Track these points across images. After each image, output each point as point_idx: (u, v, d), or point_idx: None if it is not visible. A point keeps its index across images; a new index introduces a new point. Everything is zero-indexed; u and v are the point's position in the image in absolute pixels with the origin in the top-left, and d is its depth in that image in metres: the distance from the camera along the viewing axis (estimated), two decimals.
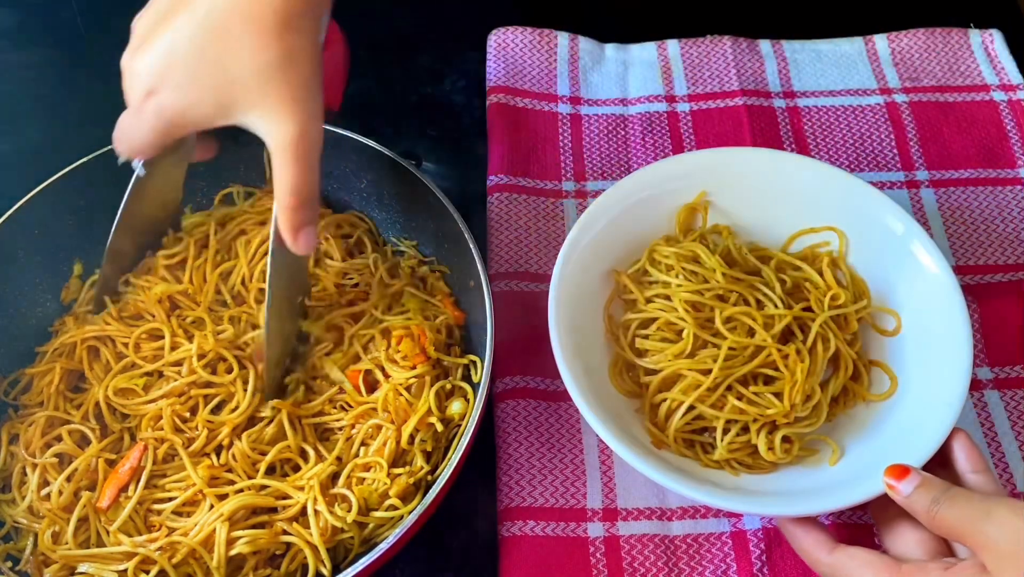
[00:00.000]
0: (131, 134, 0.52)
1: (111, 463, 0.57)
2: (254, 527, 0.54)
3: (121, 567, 0.53)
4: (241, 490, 0.55)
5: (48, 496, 0.55)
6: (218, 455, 0.57)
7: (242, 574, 0.54)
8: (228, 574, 0.54)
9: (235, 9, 0.48)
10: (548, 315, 0.58)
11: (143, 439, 0.57)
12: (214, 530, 0.53)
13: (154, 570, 0.53)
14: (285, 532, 0.55)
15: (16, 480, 0.57)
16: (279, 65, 0.49)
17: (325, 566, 0.54)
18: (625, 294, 0.63)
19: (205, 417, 0.57)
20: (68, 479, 0.56)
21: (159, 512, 0.55)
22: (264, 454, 0.57)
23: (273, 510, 0.55)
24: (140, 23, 0.52)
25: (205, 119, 0.51)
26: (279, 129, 0.49)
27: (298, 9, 0.49)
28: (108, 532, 0.55)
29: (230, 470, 0.57)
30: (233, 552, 0.53)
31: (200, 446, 0.57)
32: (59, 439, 0.58)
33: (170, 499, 0.55)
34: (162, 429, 0.57)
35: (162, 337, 0.60)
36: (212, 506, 0.54)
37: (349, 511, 0.55)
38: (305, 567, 0.54)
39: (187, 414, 0.58)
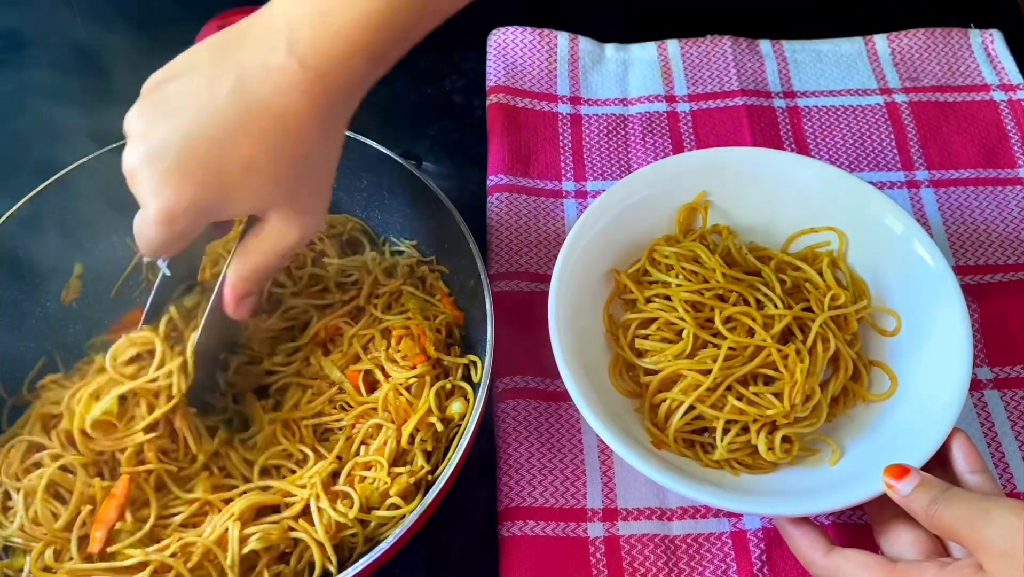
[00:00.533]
0: (148, 238, 0.49)
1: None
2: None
3: None
4: (246, 492, 0.55)
5: (37, 521, 0.54)
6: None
7: (255, 573, 0.54)
8: (242, 574, 0.53)
9: (258, 103, 0.46)
10: (548, 315, 0.58)
11: (127, 472, 0.55)
12: (226, 530, 0.53)
13: (170, 576, 0.53)
14: (291, 528, 0.55)
15: None
16: (299, 174, 0.48)
17: (332, 562, 0.54)
18: (625, 294, 0.63)
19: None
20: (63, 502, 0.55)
21: (166, 526, 0.55)
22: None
23: (278, 509, 0.55)
24: (137, 118, 0.49)
25: (236, 213, 0.50)
26: (283, 233, 0.50)
27: (333, 104, 0.47)
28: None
29: (229, 475, 0.57)
30: (246, 549, 0.53)
31: (193, 472, 0.56)
32: (37, 465, 0.56)
33: (174, 514, 0.55)
34: (144, 463, 0.56)
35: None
36: (219, 511, 0.54)
37: (351, 508, 0.55)
38: (312, 565, 0.54)
39: (169, 444, 0.56)
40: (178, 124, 0.47)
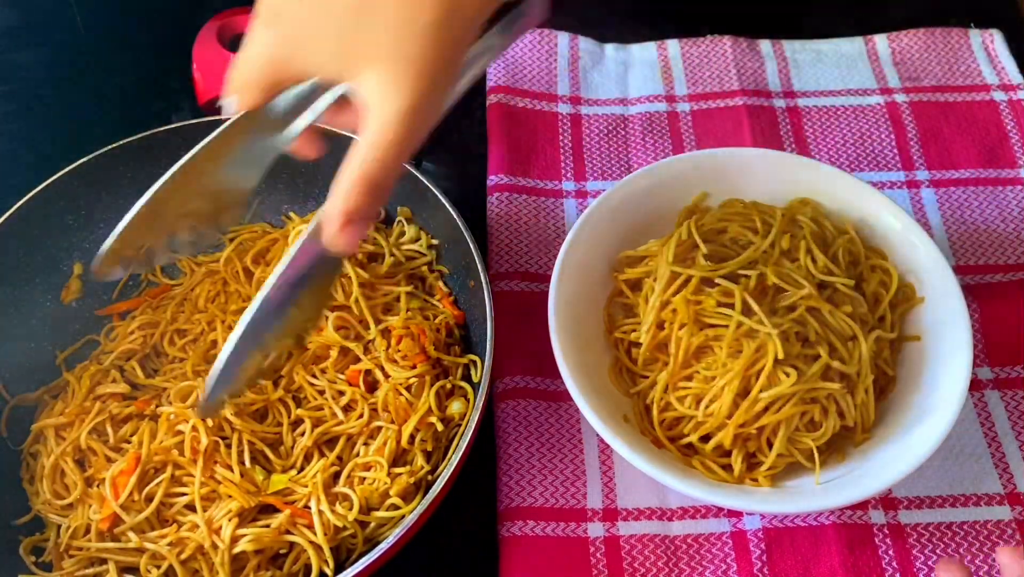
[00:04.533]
0: (240, 66, 0.43)
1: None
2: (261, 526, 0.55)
3: (135, 560, 0.54)
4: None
5: (59, 493, 0.57)
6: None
7: (243, 574, 0.54)
8: (233, 572, 0.54)
9: None
10: (548, 315, 0.58)
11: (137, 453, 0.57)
12: (221, 527, 0.54)
13: (164, 565, 0.54)
14: (288, 532, 0.55)
15: (38, 473, 0.58)
16: (423, 29, 0.40)
17: (328, 565, 0.54)
18: (622, 297, 0.63)
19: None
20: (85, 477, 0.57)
21: (171, 505, 0.56)
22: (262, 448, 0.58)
23: (277, 510, 0.55)
24: None
25: (315, 68, 0.42)
26: (392, 97, 0.40)
27: None
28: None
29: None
30: (237, 549, 0.53)
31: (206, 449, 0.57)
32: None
33: (182, 494, 0.56)
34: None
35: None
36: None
37: (351, 509, 0.55)
38: (308, 567, 0.54)
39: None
40: None
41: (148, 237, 0.49)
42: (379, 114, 0.41)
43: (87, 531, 0.56)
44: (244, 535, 0.54)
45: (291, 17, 0.41)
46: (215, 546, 0.54)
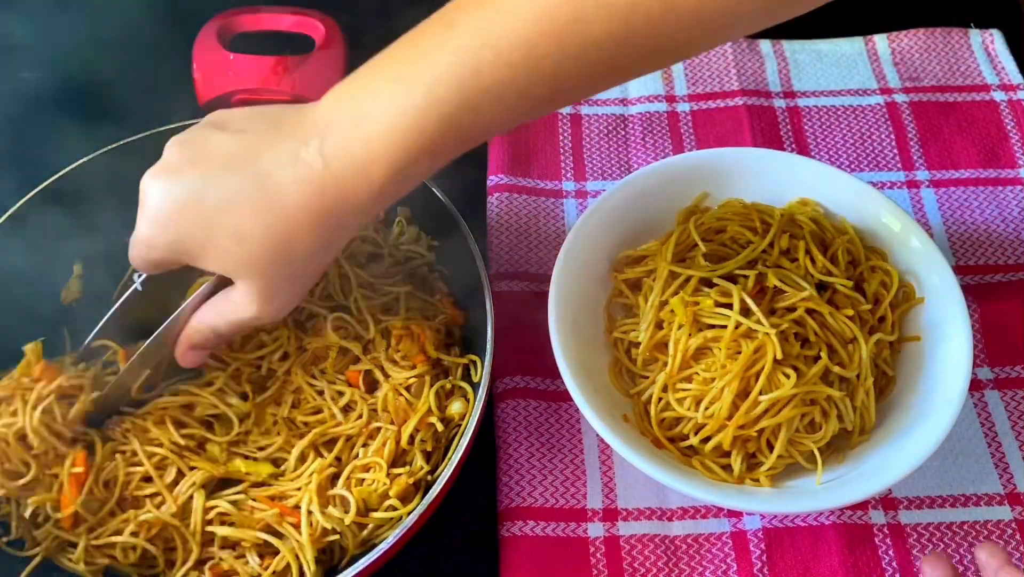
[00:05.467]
0: (130, 251, 0.52)
1: None
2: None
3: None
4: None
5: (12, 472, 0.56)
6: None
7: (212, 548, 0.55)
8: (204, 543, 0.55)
9: (273, 185, 0.47)
10: (548, 315, 0.58)
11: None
12: (191, 498, 0.55)
13: (139, 547, 0.54)
14: (274, 530, 0.54)
15: None
16: (280, 262, 0.49)
17: (309, 569, 0.53)
18: (622, 298, 0.63)
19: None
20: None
21: (129, 481, 0.55)
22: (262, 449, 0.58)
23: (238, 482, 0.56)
24: (177, 146, 0.50)
25: (206, 269, 0.50)
26: (241, 306, 0.50)
27: (342, 212, 0.48)
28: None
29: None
30: (214, 531, 0.54)
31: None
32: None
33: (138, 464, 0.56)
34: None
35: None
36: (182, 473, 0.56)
37: (347, 512, 0.55)
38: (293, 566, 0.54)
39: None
40: (199, 172, 0.48)
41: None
42: (240, 300, 0.51)
43: (47, 519, 0.55)
44: (215, 506, 0.55)
45: (177, 230, 0.49)
46: (186, 521, 0.54)
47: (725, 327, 0.56)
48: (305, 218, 0.47)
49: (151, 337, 0.55)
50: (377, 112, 0.46)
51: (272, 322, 0.54)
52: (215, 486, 0.56)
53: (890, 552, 0.57)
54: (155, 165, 0.50)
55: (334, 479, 0.57)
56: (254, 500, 0.55)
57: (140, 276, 0.57)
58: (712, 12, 0.44)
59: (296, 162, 0.47)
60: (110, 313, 0.59)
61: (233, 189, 0.47)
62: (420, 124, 0.45)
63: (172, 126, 0.65)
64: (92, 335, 0.60)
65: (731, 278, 0.58)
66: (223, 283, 0.53)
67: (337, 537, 0.55)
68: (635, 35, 0.44)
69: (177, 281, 0.59)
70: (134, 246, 0.51)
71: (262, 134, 0.48)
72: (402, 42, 0.47)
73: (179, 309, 0.54)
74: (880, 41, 0.82)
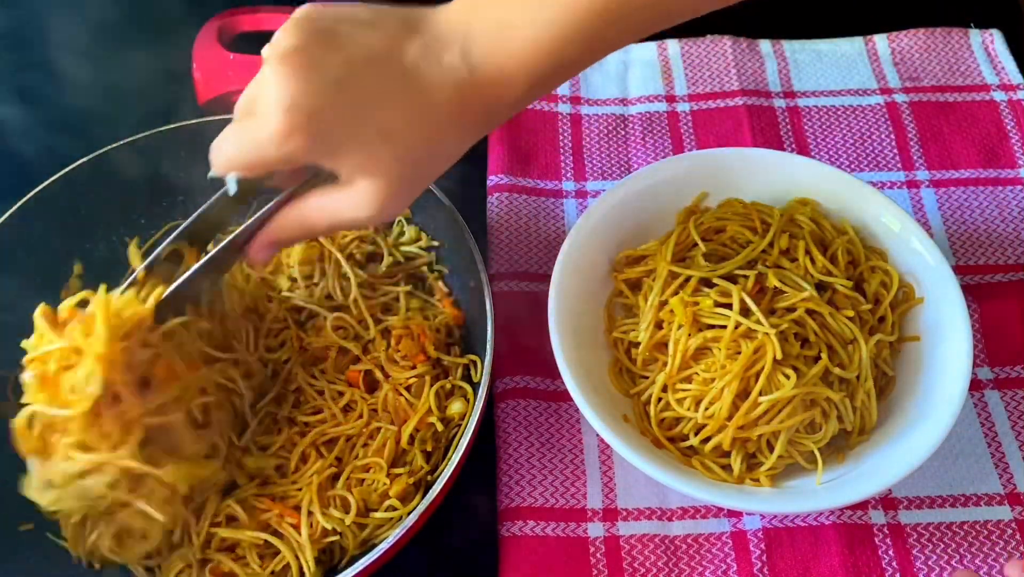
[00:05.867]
0: (252, 146, 0.46)
1: None
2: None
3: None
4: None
5: None
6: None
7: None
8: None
9: (417, 83, 0.46)
10: (548, 315, 0.58)
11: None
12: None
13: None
14: (275, 530, 0.54)
15: None
16: (416, 161, 0.47)
17: (309, 569, 0.53)
18: (622, 297, 0.63)
19: None
20: None
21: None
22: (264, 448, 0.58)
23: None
24: (295, 29, 0.46)
25: (328, 166, 0.47)
26: (359, 205, 0.47)
27: (479, 116, 0.48)
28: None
29: None
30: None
31: None
32: None
33: None
34: None
35: None
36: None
37: (347, 512, 0.55)
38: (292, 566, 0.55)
39: None
40: (341, 63, 0.45)
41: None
42: (356, 199, 0.47)
43: None
44: (227, 506, 0.54)
45: (324, 119, 0.45)
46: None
47: (725, 327, 0.56)
48: (449, 121, 0.46)
49: (229, 237, 0.51)
50: (523, 22, 0.46)
51: (379, 224, 0.50)
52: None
53: (890, 552, 0.57)
54: (276, 49, 0.45)
55: (334, 479, 0.57)
56: (257, 500, 0.55)
57: (236, 178, 0.49)
58: None
59: (441, 65, 0.46)
60: (193, 217, 0.53)
61: (380, 84, 0.46)
62: (563, 36, 0.46)
63: (172, 126, 0.65)
64: (168, 240, 0.54)
65: (731, 278, 0.59)
66: (307, 187, 0.49)
67: (337, 537, 0.55)
68: None
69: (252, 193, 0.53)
70: (255, 140, 0.46)
71: (399, 32, 0.47)
72: None
73: (262, 211, 0.50)
74: (880, 41, 0.82)
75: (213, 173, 0.49)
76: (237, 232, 0.51)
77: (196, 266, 0.52)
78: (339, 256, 0.63)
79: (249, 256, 0.52)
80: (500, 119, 0.49)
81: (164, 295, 0.52)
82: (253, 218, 0.51)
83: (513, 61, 0.46)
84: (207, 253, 0.53)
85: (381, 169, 0.46)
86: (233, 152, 0.47)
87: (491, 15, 0.46)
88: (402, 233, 0.67)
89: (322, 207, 0.49)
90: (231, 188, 0.50)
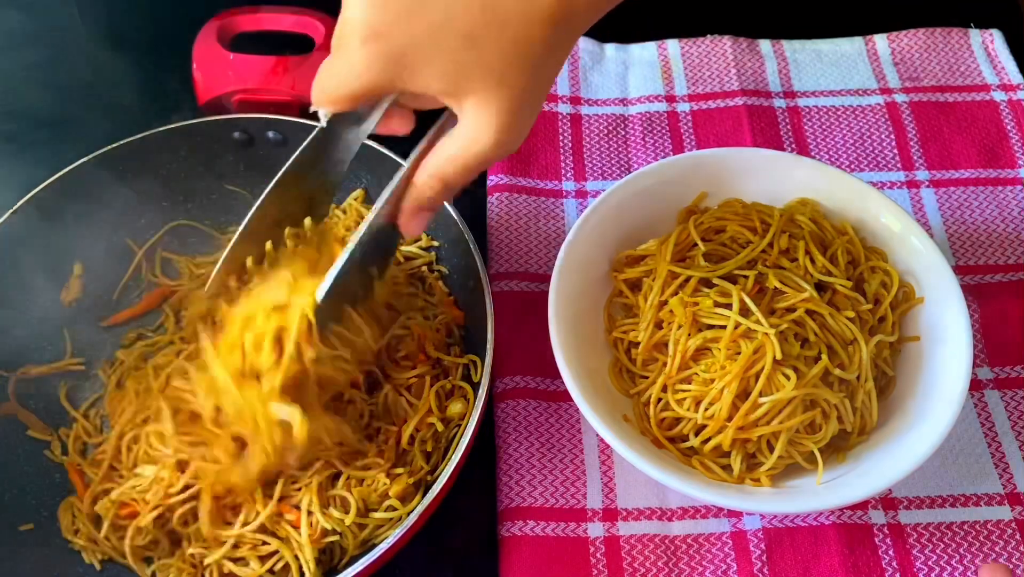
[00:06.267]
0: (337, 78, 0.45)
1: None
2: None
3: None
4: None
5: None
6: None
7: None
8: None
9: None
10: (548, 315, 0.58)
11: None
12: None
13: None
14: (274, 534, 0.54)
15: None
16: (516, 66, 0.43)
17: (309, 569, 0.53)
18: (622, 298, 0.63)
19: None
20: None
21: None
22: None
23: None
24: None
25: (421, 87, 0.44)
26: (488, 118, 0.44)
27: (579, 8, 0.43)
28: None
29: None
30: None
31: None
32: None
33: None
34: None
35: None
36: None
37: (347, 512, 0.55)
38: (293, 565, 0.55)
39: None
40: None
41: (251, 249, 0.54)
42: (473, 129, 0.44)
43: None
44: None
45: (400, 38, 0.43)
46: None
47: (724, 327, 0.56)
48: (538, 15, 0.42)
49: (367, 221, 0.50)
50: None
51: (509, 153, 0.46)
52: None
53: (890, 552, 0.57)
54: None
55: (334, 479, 0.57)
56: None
57: (326, 114, 0.49)
58: None
59: None
60: (290, 162, 0.52)
61: None
62: None
63: (172, 126, 0.65)
64: (268, 187, 0.53)
65: (731, 278, 0.58)
66: (433, 140, 0.48)
67: (337, 537, 0.55)
68: None
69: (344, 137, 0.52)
70: (335, 69, 0.45)
71: None
72: None
73: (394, 182, 0.49)
74: (880, 41, 0.82)
75: (312, 108, 0.48)
76: (374, 213, 0.49)
77: (346, 253, 0.50)
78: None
79: (403, 228, 0.50)
80: (590, 17, 0.45)
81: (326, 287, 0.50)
82: (389, 191, 0.49)
83: None
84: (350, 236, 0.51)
85: (478, 79, 0.43)
86: (323, 86, 0.46)
87: None
88: None
89: (450, 154, 0.46)
90: (322, 121, 0.49)
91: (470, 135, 0.45)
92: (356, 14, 0.43)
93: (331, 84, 0.46)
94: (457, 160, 0.46)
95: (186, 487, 0.55)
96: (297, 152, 0.51)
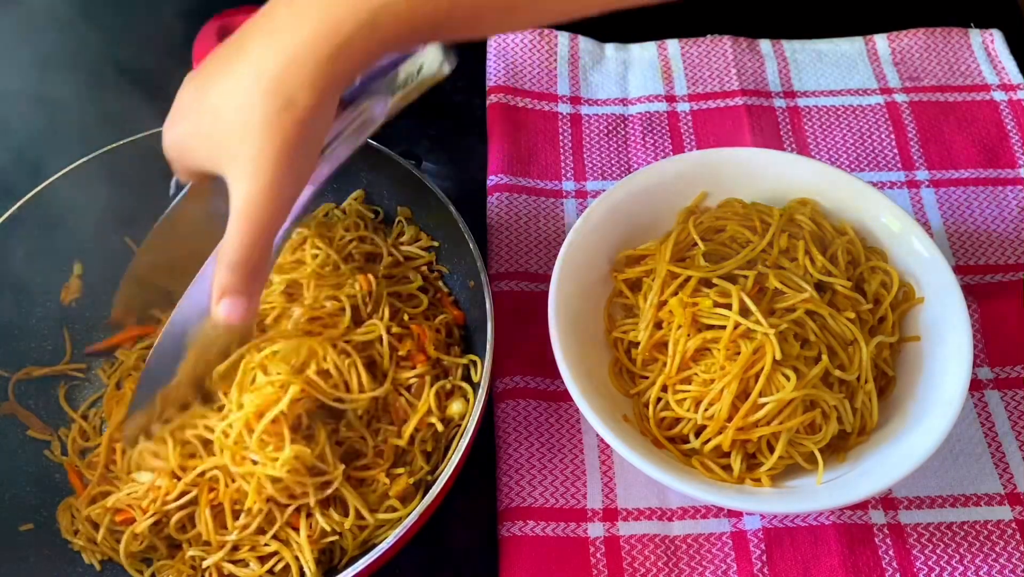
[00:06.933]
0: (167, 151, 0.51)
1: None
2: None
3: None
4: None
5: None
6: None
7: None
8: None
9: (283, 63, 0.44)
10: (548, 315, 0.58)
11: None
12: None
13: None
14: (275, 537, 0.54)
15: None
16: (255, 130, 0.44)
17: (309, 569, 0.53)
18: (622, 297, 0.63)
19: None
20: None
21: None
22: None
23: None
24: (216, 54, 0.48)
25: (199, 164, 0.48)
26: (240, 189, 0.45)
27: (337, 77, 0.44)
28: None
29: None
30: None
31: None
32: None
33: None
34: None
35: None
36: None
37: (346, 514, 0.55)
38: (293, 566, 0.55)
39: None
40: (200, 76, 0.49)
41: (160, 282, 0.58)
42: (233, 206, 0.46)
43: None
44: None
45: (185, 121, 0.49)
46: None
47: (724, 328, 0.56)
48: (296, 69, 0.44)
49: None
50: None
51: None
52: None
53: (890, 552, 0.57)
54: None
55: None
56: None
57: (174, 180, 0.54)
58: None
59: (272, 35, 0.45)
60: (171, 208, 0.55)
61: (213, 73, 0.47)
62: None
63: None
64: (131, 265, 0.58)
65: (730, 278, 0.58)
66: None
67: (337, 538, 0.55)
68: None
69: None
70: (167, 138, 0.50)
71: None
72: None
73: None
74: (880, 41, 0.82)
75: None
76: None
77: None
78: (336, 257, 0.63)
79: (214, 315, 0.48)
80: (348, 79, 0.46)
81: None
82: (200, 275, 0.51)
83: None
84: None
85: (224, 143, 0.45)
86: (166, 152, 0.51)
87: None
88: (402, 233, 0.67)
89: (228, 230, 0.46)
90: (172, 190, 0.55)
91: (233, 210, 0.46)
92: (180, 97, 0.50)
93: (167, 154, 0.51)
94: (231, 237, 0.46)
95: (182, 494, 0.54)
96: (163, 216, 0.56)
